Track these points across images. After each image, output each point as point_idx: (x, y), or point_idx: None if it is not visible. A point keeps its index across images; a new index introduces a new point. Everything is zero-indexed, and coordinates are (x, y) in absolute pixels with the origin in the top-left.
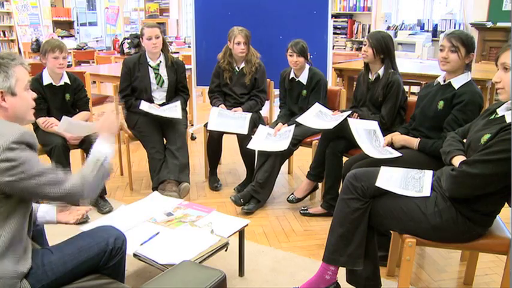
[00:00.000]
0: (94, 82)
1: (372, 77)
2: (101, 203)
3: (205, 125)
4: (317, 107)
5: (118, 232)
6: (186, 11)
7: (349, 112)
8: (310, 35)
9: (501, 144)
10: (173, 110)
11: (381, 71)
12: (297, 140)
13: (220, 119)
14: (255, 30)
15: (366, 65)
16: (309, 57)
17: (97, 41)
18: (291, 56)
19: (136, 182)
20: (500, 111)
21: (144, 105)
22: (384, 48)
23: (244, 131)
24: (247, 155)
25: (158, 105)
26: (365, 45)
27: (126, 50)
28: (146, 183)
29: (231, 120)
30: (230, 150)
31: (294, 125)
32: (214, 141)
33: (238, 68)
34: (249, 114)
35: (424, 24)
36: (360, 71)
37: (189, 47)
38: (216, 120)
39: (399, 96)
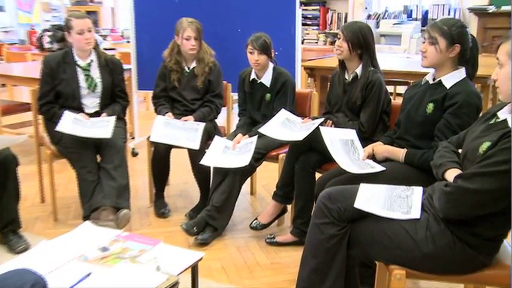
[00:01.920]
0: (4, 85)
1: (348, 77)
2: (13, 239)
3: (149, 138)
4: (283, 114)
5: (36, 276)
6: None
7: (322, 119)
8: (274, 27)
9: (503, 153)
10: (103, 127)
11: (358, 70)
12: (260, 153)
13: (166, 130)
14: (209, 22)
15: (342, 63)
16: (273, 55)
17: (5, 31)
18: (251, 53)
19: (61, 211)
20: (501, 115)
21: (66, 120)
22: (361, 41)
23: (196, 145)
24: (200, 174)
25: (88, 116)
26: (339, 38)
27: (46, 45)
28: (75, 212)
29: (180, 132)
30: (180, 167)
31: (257, 136)
32: (160, 157)
33: (189, 69)
34: (202, 124)
35: (411, 11)
36: (335, 69)
37: (128, 42)
38: (162, 130)
39: (381, 98)
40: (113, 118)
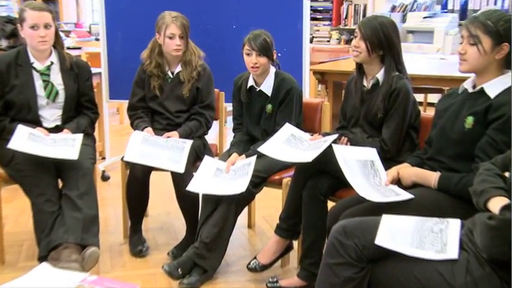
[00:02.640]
0: None
1: (367, 83)
2: None
3: (124, 158)
4: (288, 129)
5: None
6: None
7: (335, 136)
8: (276, 22)
9: None
10: (67, 146)
11: (380, 75)
12: (260, 177)
13: (145, 149)
14: (197, 16)
15: (359, 67)
16: (275, 57)
17: None
18: (248, 54)
19: (11, 250)
20: None
21: (20, 136)
22: (382, 40)
23: (181, 167)
24: (186, 202)
25: (47, 131)
26: (356, 37)
27: None
28: (28, 252)
29: (162, 151)
30: (161, 194)
31: (255, 156)
32: (137, 182)
33: (172, 74)
34: (189, 142)
35: (446, 1)
36: (351, 74)
37: (97, 40)
38: (139, 149)
39: (407, 110)
40: (80, 136)
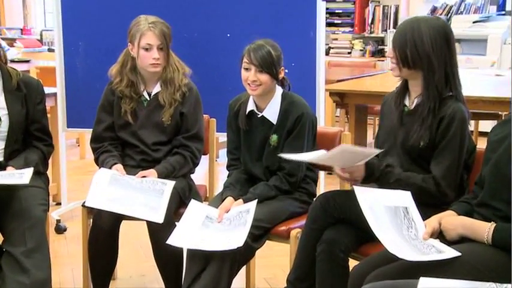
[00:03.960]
0: None
1: (409, 103)
2: None
3: (85, 203)
4: (407, 197)
5: None
6: None
7: (377, 152)
8: (282, 29)
9: None
10: (16, 177)
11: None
12: (262, 228)
13: (114, 191)
14: (181, 22)
15: (404, 84)
16: (281, 75)
17: None
18: (246, 69)
19: None
20: None
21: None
22: (416, 51)
23: (159, 216)
24: (166, 260)
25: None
26: (395, 48)
27: None
28: None
29: (136, 195)
30: (134, 251)
31: (256, 202)
32: (103, 235)
33: (149, 95)
34: (171, 183)
35: (503, 1)
36: (388, 94)
37: (51, 50)
38: (106, 192)
39: (464, 143)
40: (29, 170)
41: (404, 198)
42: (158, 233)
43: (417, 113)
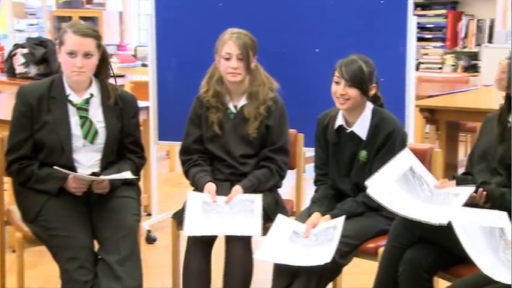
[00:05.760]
0: None
1: None
2: None
3: (176, 216)
4: (408, 157)
5: None
6: None
7: (472, 189)
8: (372, 44)
9: None
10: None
11: None
12: (350, 245)
13: (207, 218)
14: (269, 37)
15: (508, 100)
16: (373, 91)
17: None
18: (337, 83)
19: None
20: None
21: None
22: None
23: (257, 231)
24: (237, 275)
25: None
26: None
27: (19, 69)
28: None
29: (229, 218)
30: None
31: (344, 218)
32: (198, 252)
33: (235, 107)
34: (258, 198)
35: None
36: (492, 113)
37: (145, 65)
38: (201, 219)
39: None
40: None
41: (500, 218)
42: (235, 245)
43: None
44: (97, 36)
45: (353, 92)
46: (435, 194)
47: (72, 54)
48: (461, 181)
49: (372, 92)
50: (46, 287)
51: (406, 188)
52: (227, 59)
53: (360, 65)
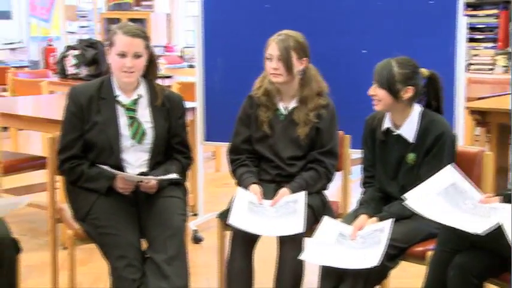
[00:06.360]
0: (6, 129)
1: None
2: None
3: (222, 216)
4: (451, 173)
5: None
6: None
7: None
8: (421, 45)
9: None
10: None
11: None
12: (398, 248)
13: (253, 217)
14: (318, 38)
15: None
16: (408, 93)
17: (12, 49)
18: (373, 84)
19: None
20: None
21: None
22: None
23: (299, 226)
24: (289, 275)
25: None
26: None
27: (71, 70)
28: None
29: (274, 221)
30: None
31: (392, 221)
32: (241, 252)
33: (286, 109)
34: (301, 197)
35: None
36: None
37: (191, 67)
38: (246, 216)
39: None
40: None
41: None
42: (287, 247)
43: None
44: (146, 37)
45: (381, 93)
46: (478, 207)
47: (122, 55)
48: (508, 199)
49: (407, 94)
50: (96, 283)
51: (446, 199)
52: (269, 60)
53: (390, 67)
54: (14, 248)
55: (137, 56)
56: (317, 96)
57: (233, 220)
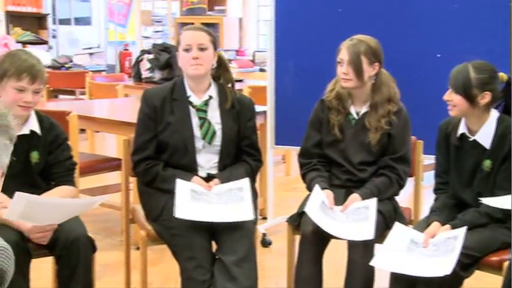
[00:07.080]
0: (83, 131)
1: None
2: None
3: (291, 220)
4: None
5: None
6: (258, 4)
7: None
8: (496, 49)
9: None
10: (236, 202)
11: None
12: (472, 257)
13: (325, 216)
14: (391, 42)
15: None
16: (485, 99)
17: (90, 54)
18: (448, 89)
19: None
20: None
21: (183, 196)
22: None
23: (369, 234)
24: (359, 281)
25: (205, 182)
26: None
27: (145, 74)
28: None
29: (347, 224)
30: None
31: (465, 229)
32: (310, 256)
33: (358, 114)
34: (374, 204)
35: None
36: None
37: (262, 70)
38: (319, 216)
39: None
40: (246, 183)
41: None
42: (358, 252)
43: None
44: (210, 33)
45: (457, 98)
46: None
47: (187, 49)
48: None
49: (484, 100)
50: (167, 283)
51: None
52: (340, 64)
53: (466, 71)
54: (91, 246)
55: (202, 48)
56: (387, 102)
57: (310, 213)
